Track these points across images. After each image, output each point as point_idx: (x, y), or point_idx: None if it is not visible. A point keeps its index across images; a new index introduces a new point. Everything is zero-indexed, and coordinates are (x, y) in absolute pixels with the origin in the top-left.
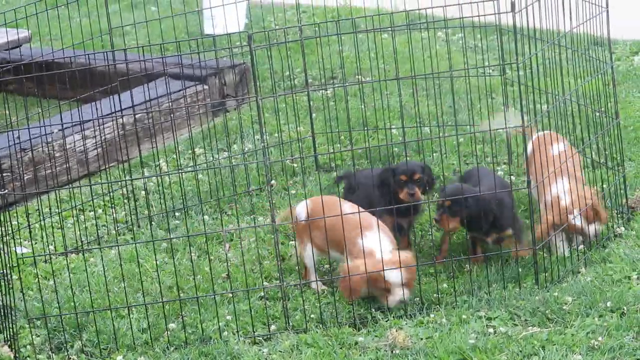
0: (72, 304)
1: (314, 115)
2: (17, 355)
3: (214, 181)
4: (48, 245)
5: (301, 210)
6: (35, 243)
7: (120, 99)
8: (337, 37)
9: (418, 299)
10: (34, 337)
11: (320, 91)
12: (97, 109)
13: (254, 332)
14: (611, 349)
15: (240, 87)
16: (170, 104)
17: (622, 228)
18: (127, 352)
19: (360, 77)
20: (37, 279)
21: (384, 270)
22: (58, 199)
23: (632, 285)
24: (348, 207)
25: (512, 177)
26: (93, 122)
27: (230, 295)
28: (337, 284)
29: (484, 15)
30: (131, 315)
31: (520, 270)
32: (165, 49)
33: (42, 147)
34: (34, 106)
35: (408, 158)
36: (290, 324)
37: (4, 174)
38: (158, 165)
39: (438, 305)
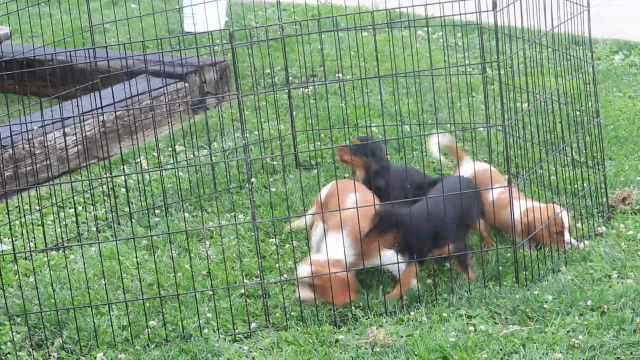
0: (53, 301)
1: (294, 113)
2: None
3: (194, 178)
4: (28, 242)
5: (322, 193)
6: (16, 240)
7: (101, 96)
8: (318, 35)
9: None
10: (14, 334)
11: (301, 89)
12: (77, 106)
13: (235, 329)
14: (591, 347)
15: (221, 84)
16: (151, 101)
17: (603, 227)
18: (107, 349)
19: (340, 75)
20: (17, 276)
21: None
22: (38, 196)
23: (612, 284)
24: (361, 192)
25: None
26: (74, 119)
27: (211, 292)
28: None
29: (465, 14)
30: (111, 313)
31: (500, 268)
32: (146, 47)
33: (23, 144)
34: (14, 103)
35: (388, 156)
36: (271, 321)
37: None
38: (138, 162)
39: (418, 304)
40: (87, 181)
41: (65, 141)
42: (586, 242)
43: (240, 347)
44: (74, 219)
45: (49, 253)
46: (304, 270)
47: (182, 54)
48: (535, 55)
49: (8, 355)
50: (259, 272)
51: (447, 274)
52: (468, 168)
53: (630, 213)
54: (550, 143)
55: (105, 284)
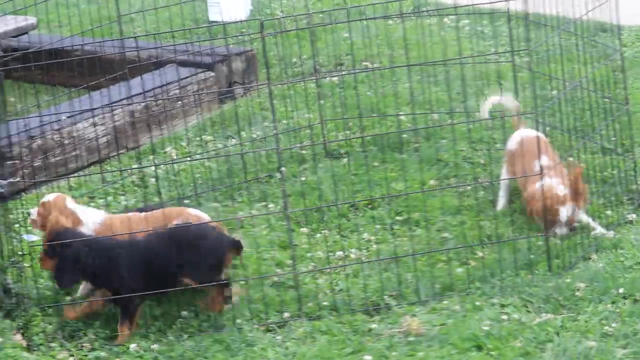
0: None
1: (322, 102)
2: (29, 343)
3: (224, 168)
4: None
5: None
6: None
7: (129, 85)
8: (346, 24)
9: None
10: (46, 325)
11: (328, 78)
12: (106, 96)
13: (268, 319)
14: (625, 335)
15: (247, 73)
16: (180, 90)
17: (633, 215)
18: (140, 339)
19: (368, 63)
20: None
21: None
22: (68, 186)
23: None
24: None
25: None
26: (103, 109)
27: (243, 282)
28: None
29: (494, 2)
30: (144, 303)
31: (532, 257)
32: (174, 36)
33: (52, 134)
34: (42, 93)
35: (417, 145)
36: (304, 311)
37: (14, 161)
38: (167, 152)
39: (451, 292)
40: (117, 171)
41: (95, 131)
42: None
43: (273, 337)
44: (104, 209)
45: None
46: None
47: (210, 44)
48: (563, 43)
49: (40, 346)
50: (291, 261)
51: (480, 262)
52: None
53: None
54: (580, 130)
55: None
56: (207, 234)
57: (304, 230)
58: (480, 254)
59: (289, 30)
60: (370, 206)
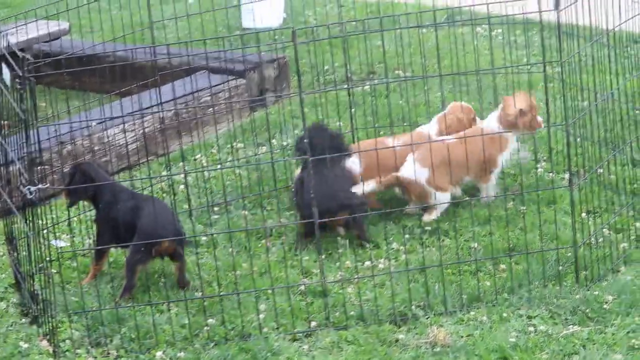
0: (112, 298)
1: (353, 110)
2: (56, 349)
3: (254, 176)
4: (87, 240)
5: None
6: (74, 237)
7: (160, 92)
8: (380, 33)
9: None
10: (73, 331)
11: (361, 87)
12: (137, 102)
13: (294, 328)
14: None
15: (279, 81)
16: (211, 97)
17: None
18: (166, 347)
19: (400, 72)
20: (76, 273)
21: None
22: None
23: None
24: None
25: (552, 174)
26: (134, 115)
27: (270, 291)
28: None
29: (528, 13)
30: (171, 311)
31: (560, 268)
32: (206, 43)
33: (82, 140)
34: (72, 99)
35: None
36: (331, 320)
37: (44, 167)
38: (197, 159)
39: (478, 303)
40: (147, 179)
41: (125, 137)
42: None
43: (300, 346)
44: None
45: (107, 250)
46: None
47: (243, 52)
48: (595, 53)
49: (67, 352)
50: (318, 270)
51: (508, 274)
52: None
53: None
54: (610, 142)
55: (164, 282)
56: None
57: (340, 239)
58: (503, 266)
59: (322, 39)
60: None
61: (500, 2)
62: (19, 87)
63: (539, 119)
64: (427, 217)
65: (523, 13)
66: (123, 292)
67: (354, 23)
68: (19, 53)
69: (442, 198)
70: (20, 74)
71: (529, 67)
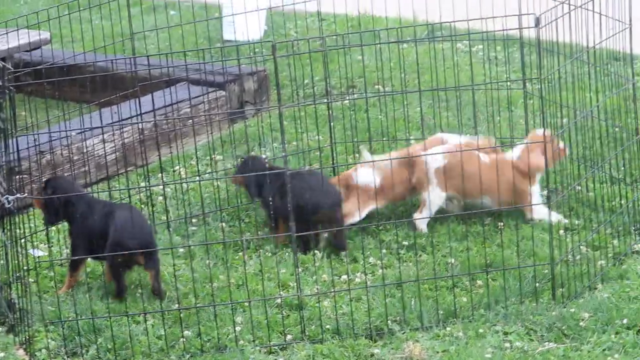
0: (88, 308)
1: (332, 124)
2: (32, 358)
3: (233, 188)
4: (65, 249)
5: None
6: (52, 246)
7: (140, 103)
8: (360, 47)
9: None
10: (49, 340)
11: (340, 101)
12: (116, 113)
13: (270, 341)
14: None
15: (259, 94)
16: (191, 109)
17: None
18: (142, 358)
19: (380, 87)
20: (53, 283)
21: None
22: None
23: None
24: None
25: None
26: (113, 126)
27: (247, 304)
28: None
29: (508, 30)
30: (147, 322)
31: (537, 285)
32: (186, 55)
33: (61, 150)
34: (52, 108)
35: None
36: (307, 334)
37: (23, 176)
38: (176, 170)
39: (455, 319)
40: (125, 190)
41: (104, 148)
42: None
43: (275, 359)
44: None
45: (85, 260)
46: None
47: (223, 64)
48: (575, 71)
49: None
50: (295, 284)
51: (485, 290)
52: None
53: None
54: (589, 159)
55: (141, 293)
56: None
57: (310, 252)
58: (480, 282)
59: (301, 53)
60: (381, 229)
61: (480, 18)
62: None
63: (561, 146)
64: (419, 225)
65: (503, 30)
66: (115, 297)
67: (334, 37)
68: None
69: (435, 197)
70: (0, 84)
71: (508, 83)
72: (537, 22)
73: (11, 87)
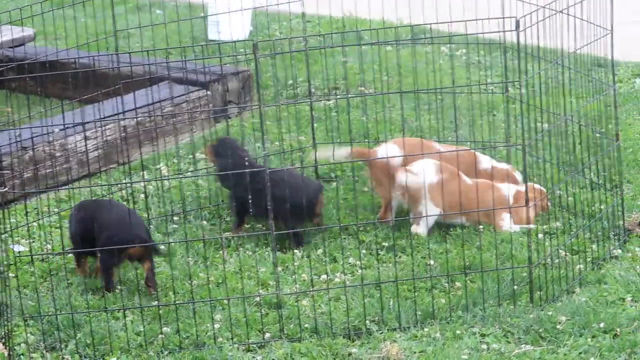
0: (68, 303)
1: (315, 125)
2: (11, 352)
3: (214, 187)
4: (46, 245)
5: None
6: (33, 242)
7: (122, 101)
8: (342, 48)
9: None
10: (28, 335)
11: (323, 101)
12: (99, 110)
13: (248, 339)
14: None
15: (243, 94)
16: (173, 108)
17: (619, 250)
18: (121, 354)
19: (363, 88)
20: (33, 278)
21: None
22: (57, 199)
23: (625, 307)
24: None
25: None
26: (95, 123)
27: (226, 301)
28: None
29: (489, 33)
30: (126, 318)
31: (515, 287)
32: (169, 54)
33: (43, 146)
34: (36, 105)
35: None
36: (285, 332)
37: (4, 172)
38: (158, 168)
39: (432, 320)
40: (107, 186)
41: (86, 145)
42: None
43: (253, 357)
44: None
45: (66, 256)
46: None
47: (205, 63)
48: (557, 75)
49: (22, 356)
50: (274, 282)
51: (463, 292)
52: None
53: None
54: (569, 164)
55: (120, 289)
56: None
57: (290, 252)
58: (458, 284)
59: (283, 53)
60: (361, 230)
61: (462, 21)
62: None
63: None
64: (415, 228)
65: (483, 32)
66: (105, 289)
67: (319, 38)
68: None
69: (431, 211)
70: None
71: (491, 87)
72: (518, 25)
73: None
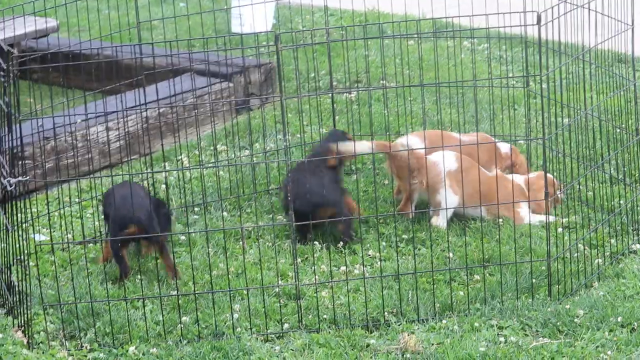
0: (88, 292)
1: (336, 117)
2: (30, 340)
3: (235, 178)
4: (66, 234)
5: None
6: (54, 231)
7: (145, 92)
8: (364, 41)
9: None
10: (48, 323)
11: (344, 94)
12: (121, 101)
13: (267, 329)
14: None
15: (265, 86)
16: (195, 99)
17: (637, 245)
18: (139, 343)
19: (384, 82)
20: (54, 267)
21: None
22: (79, 189)
23: None
24: None
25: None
26: (117, 114)
27: (245, 292)
28: None
29: (510, 27)
30: (145, 307)
31: (534, 281)
32: (192, 45)
33: (65, 136)
34: (58, 95)
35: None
36: (304, 323)
37: (26, 161)
38: (180, 159)
39: (451, 312)
40: (128, 175)
41: (107, 135)
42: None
43: (271, 347)
44: None
45: (86, 245)
46: None
47: (227, 54)
48: (578, 70)
49: (41, 344)
50: (294, 273)
51: (481, 284)
52: None
53: None
54: (589, 159)
55: (141, 278)
56: None
57: (310, 243)
58: (477, 277)
59: (306, 45)
60: (381, 222)
61: (483, 15)
62: (2, 80)
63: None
64: (435, 221)
65: (504, 27)
66: (120, 278)
67: (341, 31)
68: (4, 47)
69: (451, 200)
70: (5, 68)
71: (514, 81)
72: (539, 19)
73: (15, 72)
